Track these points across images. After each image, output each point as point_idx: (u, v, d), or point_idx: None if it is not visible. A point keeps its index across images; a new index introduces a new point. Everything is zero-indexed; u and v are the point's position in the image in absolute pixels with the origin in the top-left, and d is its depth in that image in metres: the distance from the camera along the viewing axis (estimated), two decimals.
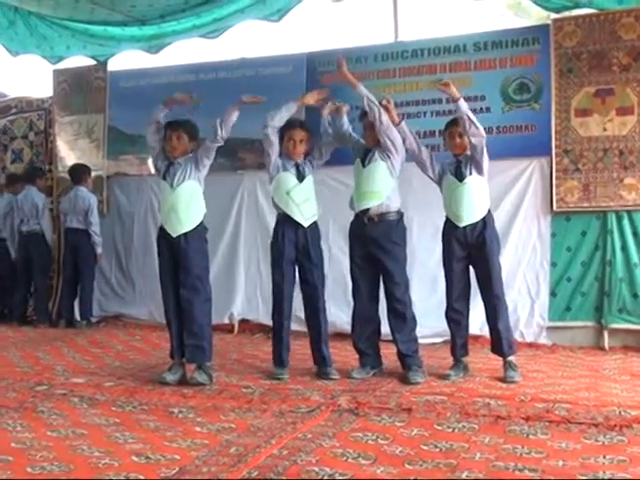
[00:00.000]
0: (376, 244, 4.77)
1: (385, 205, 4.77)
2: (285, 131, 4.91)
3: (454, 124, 4.78)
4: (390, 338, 4.90)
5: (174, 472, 2.89)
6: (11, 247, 7.90)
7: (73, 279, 7.59)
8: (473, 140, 4.65)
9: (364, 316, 4.91)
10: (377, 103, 4.72)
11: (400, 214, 4.85)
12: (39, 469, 2.95)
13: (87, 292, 7.51)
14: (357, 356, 4.97)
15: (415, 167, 4.97)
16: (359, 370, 4.84)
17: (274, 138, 4.88)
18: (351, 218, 4.96)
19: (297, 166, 4.91)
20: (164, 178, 4.77)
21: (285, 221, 4.91)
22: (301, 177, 4.90)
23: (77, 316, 7.52)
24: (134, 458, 3.09)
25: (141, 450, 3.20)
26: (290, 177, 4.89)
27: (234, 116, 4.74)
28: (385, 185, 4.78)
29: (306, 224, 4.88)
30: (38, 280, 7.75)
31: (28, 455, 3.14)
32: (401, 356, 4.79)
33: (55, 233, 7.93)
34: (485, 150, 4.67)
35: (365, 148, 4.88)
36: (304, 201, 4.88)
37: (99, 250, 7.51)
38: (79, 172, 7.57)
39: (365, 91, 4.75)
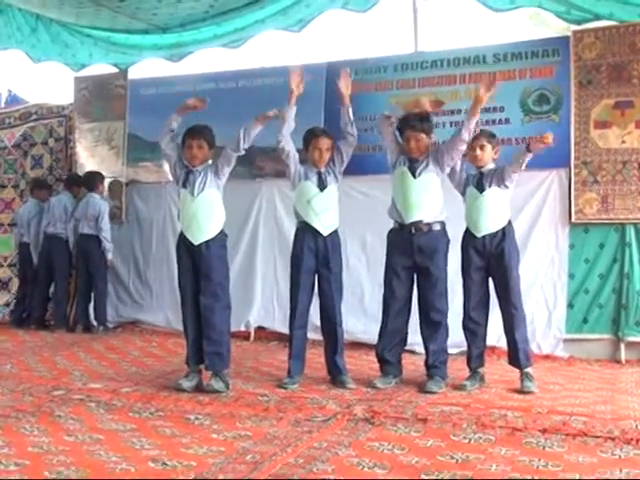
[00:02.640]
0: (423, 254, 4.77)
1: (436, 216, 4.79)
2: (310, 140, 4.93)
3: (475, 137, 4.80)
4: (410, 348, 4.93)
5: (191, 479, 2.91)
6: (34, 252, 7.97)
7: (86, 284, 7.66)
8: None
9: (396, 326, 4.90)
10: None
11: (444, 224, 4.86)
12: (56, 474, 2.97)
13: (101, 297, 7.58)
14: (372, 365, 4.99)
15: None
16: (383, 379, 4.82)
17: (289, 147, 4.90)
18: (387, 226, 4.97)
19: (319, 174, 4.93)
20: (184, 186, 4.78)
21: (305, 230, 4.92)
22: (322, 186, 4.91)
23: (93, 321, 7.58)
24: (151, 464, 3.11)
25: (158, 456, 3.21)
26: (311, 186, 4.90)
27: (258, 129, 4.79)
28: (437, 197, 4.81)
29: (325, 233, 4.89)
30: (58, 284, 7.82)
31: (45, 459, 3.16)
32: (428, 366, 4.80)
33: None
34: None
35: (410, 158, 4.85)
36: (324, 210, 4.89)
37: (109, 256, 7.58)
38: (92, 179, 7.68)
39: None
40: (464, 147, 4.77)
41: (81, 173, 7.98)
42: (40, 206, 8.00)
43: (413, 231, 4.78)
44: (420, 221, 4.77)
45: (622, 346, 5.87)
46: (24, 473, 2.97)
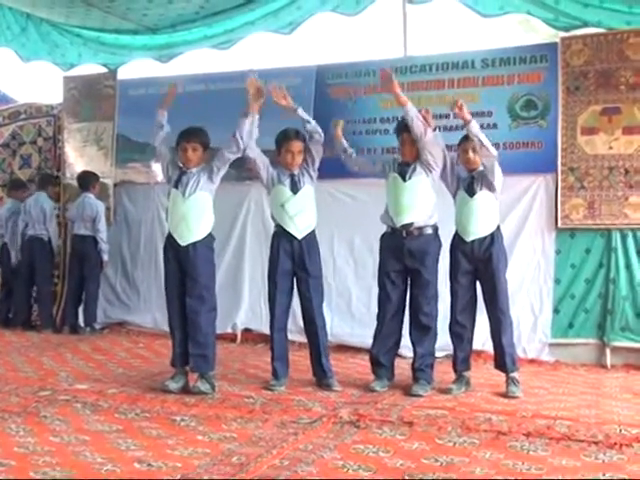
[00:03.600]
0: (414, 257, 4.78)
1: (426, 219, 4.80)
2: (282, 143, 4.93)
3: (466, 140, 4.81)
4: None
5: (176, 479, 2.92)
6: (12, 252, 7.92)
7: (78, 286, 7.61)
8: (484, 160, 4.71)
9: (390, 330, 4.90)
10: (421, 120, 4.71)
11: (436, 228, 4.87)
12: (41, 474, 2.98)
13: (92, 299, 7.53)
14: (359, 368, 5.02)
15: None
16: (379, 382, 4.83)
17: (252, 154, 4.89)
18: (375, 231, 5.02)
19: (292, 177, 4.93)
20: (176, 186, 4.79)
21: (280, 233, 4.95)
22: (295, 189, 4.91)
23: (81, 322, 7.56)
24: (136, 465, 3.12)
25: (143, 457, 3.23)
26: (284, 189, 4.91)
27: (247, 122, 4.76)
28: (428, 199, 4.82)
29: (300, 236, 4.90)
30: (40, 285, 7.79)
31: (31, 460, 3.17)
32: (414, 369, 4.82)
33: (61, 239, 7.96)
34: (497, 169, 4.72)
35: (401, 163, 4.88)
36: (298, 213, 4.89)
37: (106, 257, 7.54)
38: (87, 179, 7.61)
39: (414, 110, 4.73)
40: (429, 136, 4.73)
41: (70, 173, 7.95)
42: (17, 206, 7.94)
43: (404, 235, 4.80)
44: (411, 224, 4.78)
45: (607, 351, 5.89)
46: (9, 473, 2.98)
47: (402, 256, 4.82)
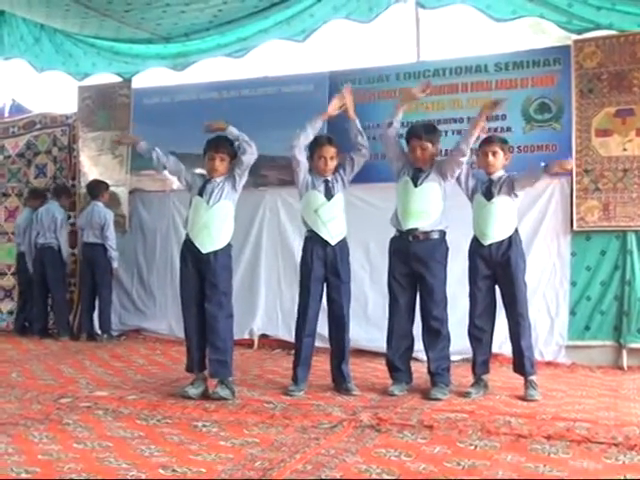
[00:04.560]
0: (420, 261, 4.81)
1: (434, 224, 4.83)
2: (315, 149, 4.97)
3: (486, 144, 4.84)
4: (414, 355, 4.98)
5: None
6: (29, 261, 8.00)
7: (91, 293, 7.69)
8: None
9: (401, 333, 4.93)
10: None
11: (443, 234, 4.89)
12: None
13: (105, 305, 7.61)
14: (376, 373, 5.04)
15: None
16: (397, 386, 4.85)
17: (301, 157, 4.95)
18: (390, 235, 5.02)
19: (326, 183, 4.97)
20: (200, 194, 4.83)
21: (313, 239, 4.96)
22: (329, 195, 4.95)
23: (97, 329, 7.62)
24: (161, 471, 3.14)
25: (167, 463, 3.25)
26: (318, 195, 4.95)
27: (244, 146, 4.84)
28: (437, 206, 4.85)
29: (333, 242, 4.93)
30: (55, 293, 7.86)
31: (56, 467, 3.19)
32: (431, 373, 4.84)
33: (73, 248, 8.03)
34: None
35: (414, 168, 4.90)
36: (332, 219, 4.93)
37: (115, 264, 7.62)
38: (96, 188, 7.70)
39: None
40: (464, 159, 4.81)
41: (84, 182, 8.02)
42: (33, 216, 8.03)
43: (410, 239, 4.83)
44: (416, 229, 4.81)
45: (624, 352, 5.90)
46: None
47: (409, 260, 4.85)
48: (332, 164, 4.98)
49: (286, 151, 5.05)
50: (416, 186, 4.85)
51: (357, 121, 5.02)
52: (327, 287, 5.00)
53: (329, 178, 4.99)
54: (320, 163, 4.96)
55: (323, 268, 4.94)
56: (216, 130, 4.93)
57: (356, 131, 5.00)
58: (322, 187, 4.96)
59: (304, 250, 5.02)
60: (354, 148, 5.04)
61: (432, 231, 4.84)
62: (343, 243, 5.00)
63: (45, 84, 8.83)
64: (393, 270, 4.96)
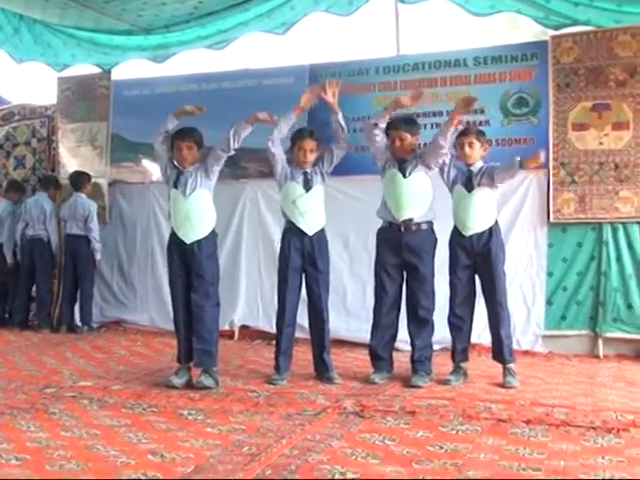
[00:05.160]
0: (412, 252, 4.88)
1: (425, 215, 4.90)
2: (296, 140, 5.03)
3: (463, 135, 4.92)
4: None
5: (190, 470, 3.00)
6: (7, 253, 7.96)
7: (73, 285, 7.67)
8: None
9: (387, 323, 5.00)
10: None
11: (431, 223, 4.97)
12: (58, 467, 3.05)
13: (87, 297, 7.60)
14: (356, 362, 5.11)
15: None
16: (378, 374, 4.92)
17: (275, 150, 5.01)
18: (370, 226, 5.12)
19: (305, 175, 5.03)
20: (175, 187, 4.87)
21: (291, 230, 5.02)
22: (308, 187, 5.01)
23: (78, 321, 7.61)
24: (150, 457, 3.19)
25: (156, 449, 3.30)
26: (297, 186, 5.00)
27: (248, 130, 4.90)
28: (427, 196, 4.92)
29: (311, 233, 4.99)
30: (41, 285, 7.83)
31: (45, 454, 3.24)
32: (413, 361, 4.92)
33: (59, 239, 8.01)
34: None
35: (398, 159, 4.95)
36: (309, 210, 4.99)
37: (98, 256, 7.61)
38: (79, 179, 7.66)
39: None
40: (444, 151, 4.87)
41: (64, 174, 7.99)
42: (13, 207, 8.00)
43: (403, 229, 4.89)
44: (411, 219, 4.88)
45: (600, 342, 6.02)
46: (26, 467, 3.05)
47: (400, 250, 4.91)
48: (312, 156, 5.03)
49: (267, 143, 5.11)
50: (405, 177, 4.91)
51: (340, 114, 5.06)
52: (306, 278, 5.06)
53: (308, 170, 5.05)
54: (300, 155, 5.02)
55: (301, 259, 4.99)
56: (192, 114, 4.98)
57: (338, 124, 5.05)
58: (301, 179, 5.02)
59: (282, 241, 5.09)
60: (335, 141, 5.09)
61: (423, 222, 4.91)
62: (321, 234, 5.06)
63: (24, 75, 8.79)
64: (382, 261, 5.01)
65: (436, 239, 5.00)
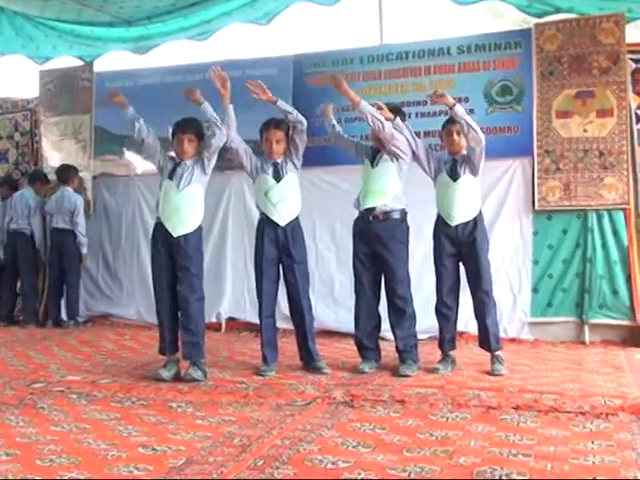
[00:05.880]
0: (380, 242, 4.88)
1: (390, 204, 4.89)
2: (262, 132, 5.02)
3: (451, 122, 4.92)
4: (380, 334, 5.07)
5: (182, 462, 2.98)
6: None
7: (59, 279, 7.64)
8: (472, 144, 4.79)
9: (367, 313, 5.01)
10: (378, 116, 4.79)
11: (404, 213, 4.96)
12: (48, 462, 3.02)
13: (73, 292, 7.58)
14: (345, 352, 5.12)
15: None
16: (366, 364, 4.93)
17: (234, 145, 4.97)
18: (351, 216, 5.09)
19: (275, 165, 5.00)
20: (170, 178, 4.83)
21: (265, 221, 5.02)
22: (278, 177, 4.98)
23: (64, 316, 7.58)
24: (141, 450, 3.17)
25: (146, 442, 3.28)
26: (267, 178, 4.98)
27: (228, 113, 4.87)
28: (392, 185, 4.91)
29: (283, 223, 4.97)
30: (25, 280, 7.80)
31: (35, 449, 3.20)
32: (399, 351, 4.93)
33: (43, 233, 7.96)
34: (483, 153, 4.82)
35: (373, 149, 5.00)
36: (281, 200, 4.96)
37: (84, 250, 7.57)
38: (66, 172, 7.62)
39: (367, 107, 4.80)
40: (382, 136, 4.82)
41: (47, 168, 7.95)
42: (2, 203, 7.95)
43: (371, 219, 4.90)
44: (374, 208, 4.88)
45: (586, 328, 6.07)
46: (16, 462, 3.01)
47: (370, 240, 4.93)
48: (279, 148, 4.99)
49: (252, 135, 5.10)
50: (373, 166, 4.94)
51: (279, 102, 4.97)
52: (282, 269, 5.05)
53: (278, 160, 5.02)
54: (266, 146, 5.00)
55: (276, 249, 4.98)
56: (192, 100, 4.91)
57: (282, 111, 4.97)
58: (271, 170, 4.99)
59: (256, 233, 5.08)
60: (292, 126, 5.02)
61: (392, 211, 4.90)
62: (295, 223, 5.03)
63: (5, 68, 8.71)
64: (356, 251, 5.04)
65: (408, 227, 4.99)
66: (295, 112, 5.00)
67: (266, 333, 5.04)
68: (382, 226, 4.89)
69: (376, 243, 4.91)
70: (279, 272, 5.07)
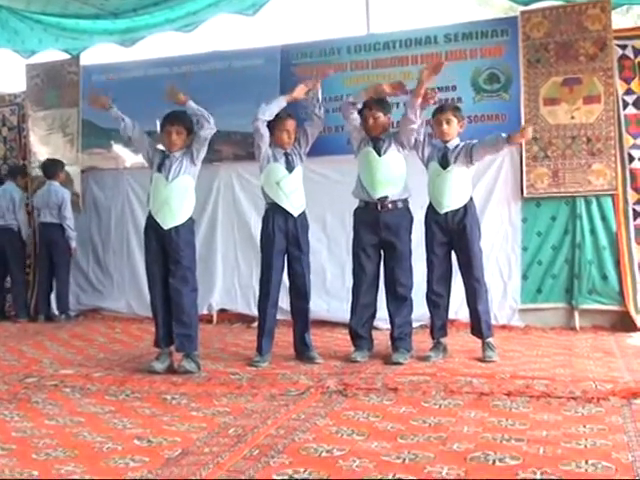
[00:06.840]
0: (390, 230, 4.91)
1: (400, 193, 4.93)
2: (276, 122, 5.01)
3: (440, 111, 4.94)
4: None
5: (178, 453, 3.00)
6: None
7: (49, 273, 7.63)
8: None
9: (366, 302, 5.03)
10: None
11: (407, 201, 5.00)
12: (44, 455, 3.03)
13: (63, 286, 7.57)
14: (337, 342, 5.15)
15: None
16: (359, 353, 4.96)
17: (264, 131, 4.98)
18: (347, 207, 5.15)
19: (287, 156, 5.03)
20: (159, 170, 4.82)
21: (275, 210, 5.01)
22: (290, 167, 5.01)
23: (55, 310, 7.57)
24: (136, 442, 3.19)
25: (142, 434, 3.30)
26: (280, 167, 5.00)
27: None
28: (402, 174, 4.96)
29: (296, 213, 5.00)
30: (14, 275, 7.78)
31: (30, 443, 3.21)
32: (393, 338, 4.96)
33: (31, 228, 7.94)
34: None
35: (373, 138, 4.98)
36: (293, 191, 5.00)
37: (73, 244, 7.56)
38: (52, 167, 7.60)
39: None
40: (414, 126, 4.89)
41: (35, 162, 7.92)
42: None
43: (379, 208, 4.92)
44: (386, 197, 4.90)
45: (576, 314, 6.12)
46: (12, 456, 3.02)
47: (378, 229, 4.94)
48: (293, 137, 5.05)
49: (240, 126, 5.10)
50: (380, 155, 4.94)
51: (319, 92, 5.07)
52: (288, 259, 5.06)
53: (289, 151, 5.05)
54: (284, 136, 5.01)
55: (285, 240, 5.00)
56: (175, 102, 4.91)
57: (316, 102, 5.07)
58: (283, 160, 5.01)
59: (265, 222, 5.07)
60: (309, 118, 5.10)
61: (399, 200, 4.94)
62: (304, 215, 5.08)
63: None
64: (360, 240, 5.04)
65: (412, 217, 5.04)
66: (322, 107, 5.11)
67: (268, 323, 5.04)
68: (391, 215, 4.92)
69: (385, 232, 4.93)
70: (284, 263, 5.09)
